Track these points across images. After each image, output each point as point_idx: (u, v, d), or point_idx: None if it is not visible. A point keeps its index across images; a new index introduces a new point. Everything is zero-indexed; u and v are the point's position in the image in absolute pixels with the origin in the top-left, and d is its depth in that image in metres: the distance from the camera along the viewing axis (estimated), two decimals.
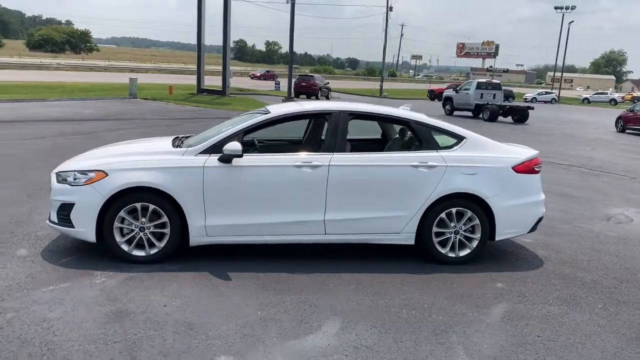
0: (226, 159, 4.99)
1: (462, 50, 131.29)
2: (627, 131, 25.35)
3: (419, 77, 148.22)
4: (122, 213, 4.93)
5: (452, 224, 5.41)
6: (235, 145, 4.92)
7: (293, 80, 37.76)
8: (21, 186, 7.73)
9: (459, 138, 5.54)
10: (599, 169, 12.89)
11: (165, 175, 4.92)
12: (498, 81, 33.49)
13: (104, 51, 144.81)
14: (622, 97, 71.32)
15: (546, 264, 5.67)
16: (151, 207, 4.95)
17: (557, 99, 63.41)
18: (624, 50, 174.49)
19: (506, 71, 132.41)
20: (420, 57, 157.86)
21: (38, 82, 34.82)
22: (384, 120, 6.22)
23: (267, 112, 5.45)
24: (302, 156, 5.22)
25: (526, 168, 5.56)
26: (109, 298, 4.22)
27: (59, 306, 4.03)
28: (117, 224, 4.94)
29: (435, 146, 5.45)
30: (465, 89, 30.36)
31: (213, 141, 5.12)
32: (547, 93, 65.95)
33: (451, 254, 5.45)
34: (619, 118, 26.29)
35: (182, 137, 5.93)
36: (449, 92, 32.48)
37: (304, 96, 37.43)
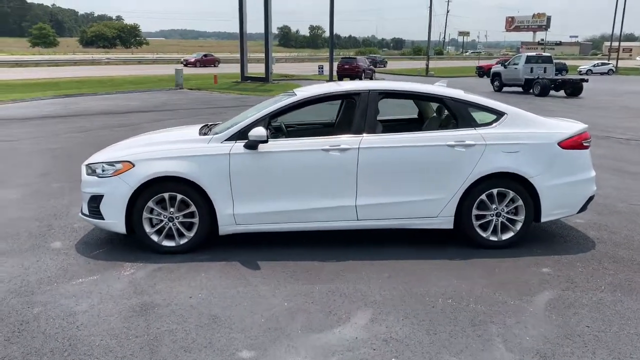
0: (251, 145, 4.84)
1: (512, 25, 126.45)
2: None
3: (467, 54, 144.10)
4: (150, 203, 4.87)
5: (494, 206, 5.08)
6: (260, 131, 4.76)
7: (335, 64, 37.39)
8: (64, 179, 7.89)
9: (499, 114, 5.18)
10: None
11: (191, 164, 4.82)
12: (549, 54, 31.97)
13: (153, 44, 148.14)
14: None
15: (598, 246, 5.25)
16: (179, 196, 4.87)
17: (614, 69, 60.08)
18: None
19: (559, 44, 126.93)
20: (467, 34, 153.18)
21: (90, 77, 35.91)
22: (417, 98, 5.91)
23: (293, 95, 5.26)
24: (330, 139, 4.99)
25: (573, 143, 5.14)
26: (136, 290, 4.17)
27: (86, 299, 4.01)
28: (146, 214, 4.89)
29: (473, 123, 5.11)
30: (514, 64, 29.14)
31: (238, 127, 4.98)
32: (603, 64, 62.53)
33: (493, 238, 5.13)
34: None
35: (211, 125, 5.83)
36: (497, 68, 31.27)
37: (348, 79, 37.00)
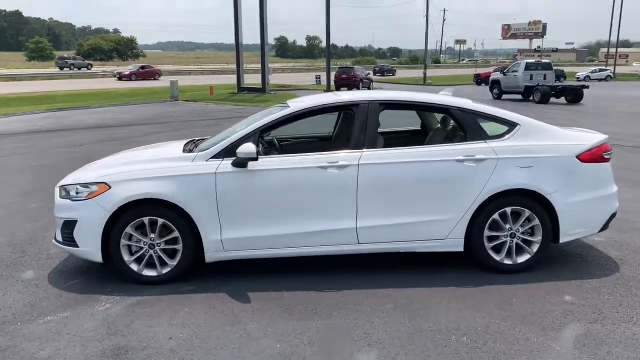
0: (240, 163, 4.38)
1: (508, 32, 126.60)
2: None
3: (464, 62, 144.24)
4: (128, 229, 4.41)
5: (507, 226, 4.62)
6: (248, 147, 4.30)
7: (332, 73, 37.07)
8: (46, 198, 7.42)
9: (511, 125, 4.73)
10: None
11: (173, 185, 4.37)
12: (548, 60, 31.66)
13: (150, 57, 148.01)
14: None
15: (623, 268, 4.79)
16: (160, 221, 4.40)
17: (612, 75, 59.87)
18: None
19: (555, 50, 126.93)
20: (464, 42, 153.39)
21: (84, 90, 35.51)
22: (421, 109, 5.47)
23: (286, 107, 4.81)
24: (327, 155, 4.54)
25: (593, 156, 4.70)
26: (109, 330, 3.69)
27: (52, 342, 3.53)
28: (124, 241, 4.42)
29: (483, 136, 4.67)
30: (513, 71, 28.81)
31: (225, 143, 4.52)
32: (601, 70, 62.32)
33: (507, 261, 4.67)
34: None
35: (198, 140, 5.37)
36: (496, 75, 30.97)
37: (345, 88, 36.67)
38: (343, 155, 4.51)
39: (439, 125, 5.69)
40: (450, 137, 5.16)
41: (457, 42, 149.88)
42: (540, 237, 4.64)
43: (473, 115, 4.74)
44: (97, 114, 21.12)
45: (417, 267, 4.81)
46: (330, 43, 35.39)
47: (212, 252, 4.47)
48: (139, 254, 4.48)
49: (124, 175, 4.47)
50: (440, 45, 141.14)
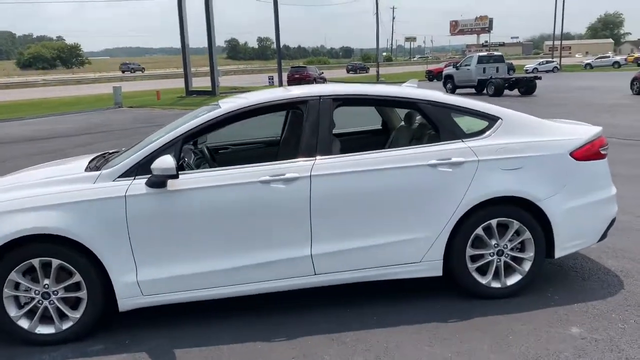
0: (156, 182, 3.40)
1: (456, 28, 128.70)
2: None
3: (414, 59, 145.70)
4: (14, 275, 3.36)
5: (494, 242, 3.81)
6: (165, 162, 3.33)
7: (285, 74, 36.24)
8: None
9: (492, 119, 3.92)
10: (633, 138, 11.22)
11: (69, 215, 3.35)
12: (500, 53, 31.65)
13: (96, 64, 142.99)
14: (625, 59, 68.97)
15: (626, 282, 4.06)
16: (55, 262, 3.38)
17: (558, 67, 61.24)
18: (619, 12, 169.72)
19: (502, 44, 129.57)
20: (414, 39, 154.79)
21: (21, 100, 33.32)
22: (383, 104, 4.59)
23: (217, 108, 3.86)
24: (271, 167, 3.60)
25: (588, 152, 3.94)
26: None
27: None
28: (8, 291, 3.37)
29: (459, 134, 3.84)
30: (466, 65, 28.60)
31: (137, 158, 3.53)
32: (547, 62, 63.62)
33: (495, 284, 3.86)
34: (634, 80, 24.40)
35: (109, 154, 4.34)
36: (449, 70, 30.68)
37: None
38: (291, 166, 3.60)
39: (402, 123, 4.86)
40: (418, 137, 4.33)
41: (407, 39, 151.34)
42: (532, 253, 3.84)
43: (446, 109, 3.90)
44: (30, 125, 19.48)
45: (387, 297, 3.94)
46: (282, 44, 34.57)
47: (127, 299, 3.47)
48: (29, 307, 3.44)
49: (6, 204, 3.41)
50: (391, 43, 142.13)
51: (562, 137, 3.92)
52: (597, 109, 17.69)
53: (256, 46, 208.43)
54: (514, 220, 3.79)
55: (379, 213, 3.65)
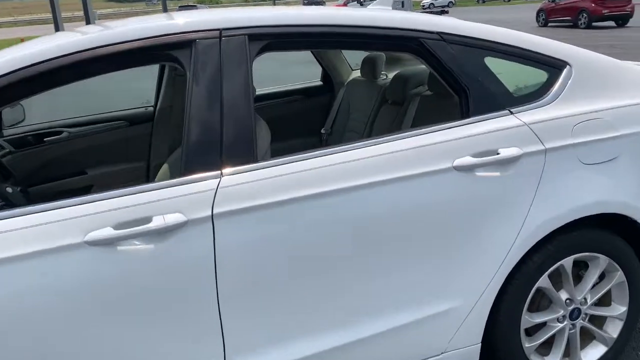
0: None
1: None
2: (550, 24, 23.13)
3: None
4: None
5: (565, 297, 2.05)
6: None
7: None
8: None
9: (555, 65, 2.06)
10: None
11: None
12: None
13: None
14: None
15: None
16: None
17: (454, 2, 61.36)
18: None
19: None
20: None
21: None
22: (351, 45, 2.09)
23: None
24: (120, 203, 1.52)
25: None
26: None
27: None
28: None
29: (503, 98, 1.95)
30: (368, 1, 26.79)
31: None
32: None
33: None
34: (540, 11, 24.00)
35: None
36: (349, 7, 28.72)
37: None
38: (163, 198, 1.55)
39: (359, 75, 2.92)
40: (424, 112, 2.43)
41: None
42: (624, 308, 2.14)
43: (477, 49, 1.97)
44: None
45: None
46: None
47: None
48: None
49: None
50: None
51: None
52: None
53: None
54: (601, 256, 2.03)
55: (359, 277, 1.74)
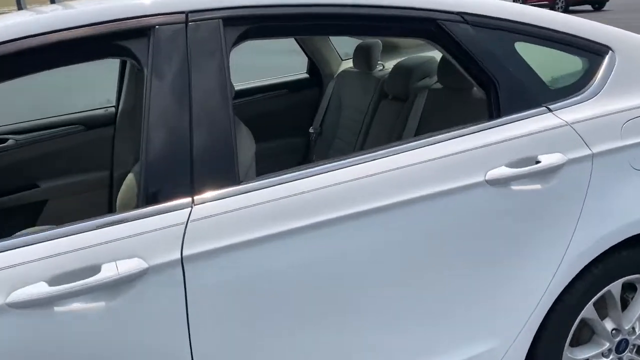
0: None
1: None
2: None
3: None
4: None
5: (611, 327, 1.72)
6: None
7: None
8: None
9: (596, 51, 1.70)
10: None
11: None
12: None
13: None
14: None
15: None
16: None
17: None
18: None
19: None
20: None
21: None
22: (345, 28, 1.61)
23: None
24: (57, 248, 1.14)
25: None
26: None
27: None
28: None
29: (540, 93, 1.60)
30: None
31: None
32: None
33: None
34: None
35: None
36: None
37: None
38: (120, 236, 1.17)
39: (350, 66, 2.55)
40: (429, 111, 2.05)
41: None
42: None
43: (506, 33, 1.59)
44: None
45: None
46: None
47: None
48: None
49: None
50: None
51: None
52: None
53: None
54: None
55: (374, 326, 1.38)
